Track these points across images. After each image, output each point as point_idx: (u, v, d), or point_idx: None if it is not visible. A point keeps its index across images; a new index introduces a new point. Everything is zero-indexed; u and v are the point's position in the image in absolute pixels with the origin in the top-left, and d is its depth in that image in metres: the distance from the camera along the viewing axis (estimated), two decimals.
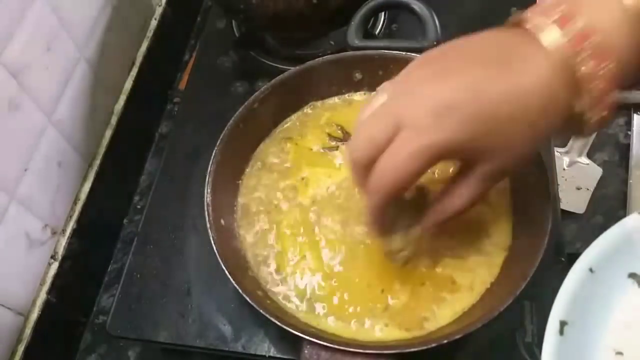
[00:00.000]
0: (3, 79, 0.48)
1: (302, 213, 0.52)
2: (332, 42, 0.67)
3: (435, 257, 0.48)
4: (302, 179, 0.54)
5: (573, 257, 0.47)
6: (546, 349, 0.37)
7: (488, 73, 0.35)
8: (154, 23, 0.77)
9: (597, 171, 0.71)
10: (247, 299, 0.43)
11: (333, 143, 0.56)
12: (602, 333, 0.39)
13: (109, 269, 0.65)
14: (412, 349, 0.41)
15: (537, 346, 0.47)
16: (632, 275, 0.40)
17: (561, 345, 0.37)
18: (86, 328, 0.61)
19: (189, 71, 0.72)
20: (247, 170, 0.55)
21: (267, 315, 0.42)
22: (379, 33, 0.69)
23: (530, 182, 0.49)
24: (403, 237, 0.43)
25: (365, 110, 0.38)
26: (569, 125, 0.36)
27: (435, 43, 0.54)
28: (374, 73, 0.57)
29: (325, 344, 0.41)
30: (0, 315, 0.50)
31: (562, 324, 0.37)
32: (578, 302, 0.38)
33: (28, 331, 0.53)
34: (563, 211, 0.64)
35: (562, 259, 0.51)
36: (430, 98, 0.35)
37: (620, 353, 0.38)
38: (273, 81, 0.55)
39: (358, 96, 0.59)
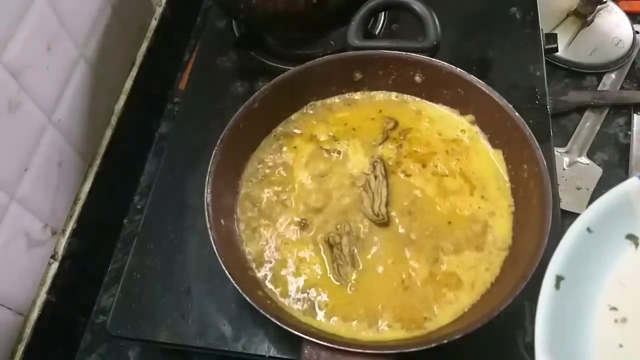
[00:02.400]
0: (3, 79, 0.48)
1: (302, 212, 0.52)
2: (332, 42, 0.67)
3: (438, 256, 0.48)
4: (302, 178, 0.54)
5: None
6: (542, 301, 0.37)
7: None
8: (154, 23, 0.77)
9: (597, 171, 0.71)
10: (247, 299, 0.43)
11: (334, 143, 0.56)
12: (598, 289, 0.39)
13: (109, 269, 0.65)
14: (412, 349, 0.41)
15: None
16: (629, 237, 0.40)
17: (556, 299, 0.37)
18: (86, 328, 0.61)
19: (189, 71, 0.72)
20: (247, 170, 0.55)
21: (267, 315, 0.42)
22: (379, 33, 0.70)
23: (530, 182, 0.49)
24: None
25: None
26: None
27: (435, 43, 0.55)
28: (374, 73, 0.57)
29: (325, 344, 0.41)
30: (0, 315, 0.50)
31: (559, 278, 0.38)
32: (575, 259, 0.38)
33: (28, 331, 0.53)
34: (563, 211, 0.64)
35: None
36: None
37: (614, 308, 0.39)
38: (273, 81, 0.55)
39: (358, 96, 0.59)
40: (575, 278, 0.38)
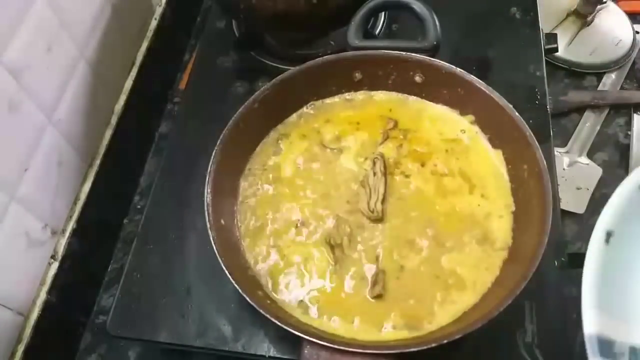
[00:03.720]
0: (3, 79, 0.48)
1: (303, 212, 0.52)
2: (332, 42, 0.67)
3: (438, 255, 0.48)
4: (302, 178, 0.54)
5: (573, 257, 0.47)
6: (591, 255, 0.37)
7: None
8: (154, 23, 0.77)
9: (597, 171, 0.71)
10: (247, 299, 0.43)
11: (334, 143, 0.56)
12: None
13: (109, 269, 0.65)
14: (412, 349, 0.41)
15: (537, 346, 0.47)
16: None
17: (605, 253, 0.37)
18: (86, 328, 0.61)
19: (189, 71, 0.72)
20: (247, 169, 0.55)
21: (267, 315, 0.42)
22: (379, 33, 0.70)
23: (530, 182, 0.49)
24: None
25: None
26: None
27: (435, 43, 0.55)
28: (374, 73, 0.57)
29: (325, 344, 0.41)
30: (0, 315, 0.50)
31: (609, 234, 0.38)
32: (625, 215, 0.39)
33: (28, 331, 0.53)
34: (563, 211, 0.64)
35: (562, 259, 0.51)
36: None
37: None
38: (273, 81, 0.55)
39: (358, 96, 0.59)
40: (624, 234, 0.38)
